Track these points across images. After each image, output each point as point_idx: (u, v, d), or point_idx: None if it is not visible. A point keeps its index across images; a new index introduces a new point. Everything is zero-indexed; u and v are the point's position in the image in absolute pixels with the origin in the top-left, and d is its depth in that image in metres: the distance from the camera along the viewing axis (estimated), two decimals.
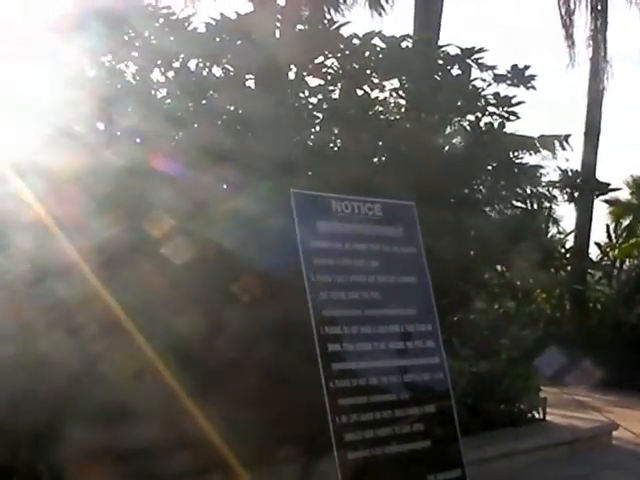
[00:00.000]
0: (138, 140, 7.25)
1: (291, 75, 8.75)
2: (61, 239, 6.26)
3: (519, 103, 9.04)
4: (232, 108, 7.93)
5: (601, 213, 23.44)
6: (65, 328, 6.26)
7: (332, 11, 15.07)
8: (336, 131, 8.68)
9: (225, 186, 7.35)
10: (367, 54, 8.81)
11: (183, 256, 6.67)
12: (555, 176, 9.61)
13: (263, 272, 6.75)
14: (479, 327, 11.54)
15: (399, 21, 20.10)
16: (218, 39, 8.40)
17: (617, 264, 22.10)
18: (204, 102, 7.93)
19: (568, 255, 13.31)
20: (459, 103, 9.03)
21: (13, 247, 6.33)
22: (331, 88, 8.63)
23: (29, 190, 6.37)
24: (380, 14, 15.90)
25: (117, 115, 7.59)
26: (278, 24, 9.23)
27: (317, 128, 8.48)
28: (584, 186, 19.87)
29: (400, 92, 8.94)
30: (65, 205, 6.41)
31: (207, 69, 8.30)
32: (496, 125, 9.01)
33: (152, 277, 6.57)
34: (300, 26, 9.34)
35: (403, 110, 9.17)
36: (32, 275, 6.30)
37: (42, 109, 7.29)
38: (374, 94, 8.78)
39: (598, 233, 22.82)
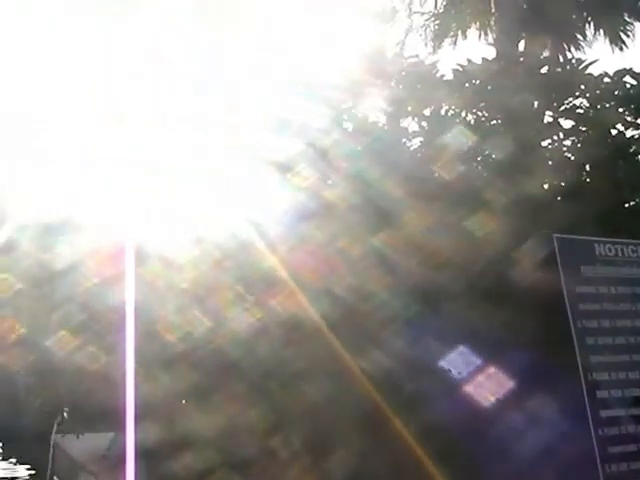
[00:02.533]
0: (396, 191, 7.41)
1: (536, 116, 8.71)
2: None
3: None
4: (486, 153, 7.98)
5: None
6: None
7: (572, 49, 14.89)
8: (587, 170, 8.55)
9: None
10: (617, 92, 8.66)
11: None
12: None
13: None
14: None
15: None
16: (467, 85, 8.50)
17: None
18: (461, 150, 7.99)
19: None
20: None
21: None
22: (582, 129, 8.51)
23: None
24: (621, 48, 15.50)
25: (370, 166, 7.77)
26: (521, 66, 9.24)
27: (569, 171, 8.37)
28: None
29: None
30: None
31: (459, 116, 8.38)
32: None
33: None
34: (545, 68, 9.29)
35: None
36: None
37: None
38: (628, 133, 8.60)
39: None
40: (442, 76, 8.80)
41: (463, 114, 8.47)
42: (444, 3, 15.61)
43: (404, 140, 8.31)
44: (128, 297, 6.73)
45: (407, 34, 12.75)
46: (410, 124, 8.51)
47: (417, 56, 9.04)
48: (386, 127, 8.56)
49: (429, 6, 14.96)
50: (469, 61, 8.74)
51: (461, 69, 8.70)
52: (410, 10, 14.40)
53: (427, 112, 8.43)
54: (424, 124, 8.29)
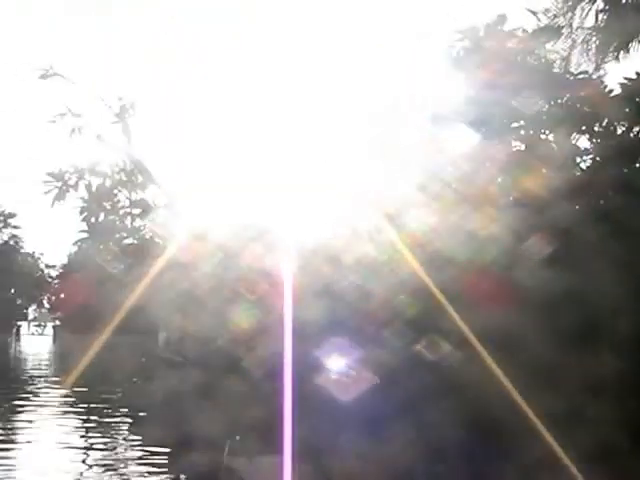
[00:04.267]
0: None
1: None
2: None
3: None
4: None
5: None
6: None
7: None
8: None
9: None
10: None
11: None
12: None
13: None
14: None
15: None
16: (638, 99, 8.39)
17: None
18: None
19: None
20: None
21: None
22: None
23: None
24: None
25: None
26: None
27: None
28: None
29: None
30: None
31: (631, 131, 8.28)
32: None
33: None
34: None
35: None
36: None
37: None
38: None
39: None
40: (610, 91, 8.74)
41: (636, 129, 8.38)
42: (605, 17, 15.40)
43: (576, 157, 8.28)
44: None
45: (571, 50, 12.60)
46: (580, 140, 8.48)
47: (586, 72, 9.00)
48: (555, 145, 8.56)
49: (590, 21, 14.74)
50: (638, 74, 8.64)
51: (629, 83, 8.60)
52: (572, 26, 14.22)
53: (597, 128, 8.38)
54: (596, 140, 8.24)
